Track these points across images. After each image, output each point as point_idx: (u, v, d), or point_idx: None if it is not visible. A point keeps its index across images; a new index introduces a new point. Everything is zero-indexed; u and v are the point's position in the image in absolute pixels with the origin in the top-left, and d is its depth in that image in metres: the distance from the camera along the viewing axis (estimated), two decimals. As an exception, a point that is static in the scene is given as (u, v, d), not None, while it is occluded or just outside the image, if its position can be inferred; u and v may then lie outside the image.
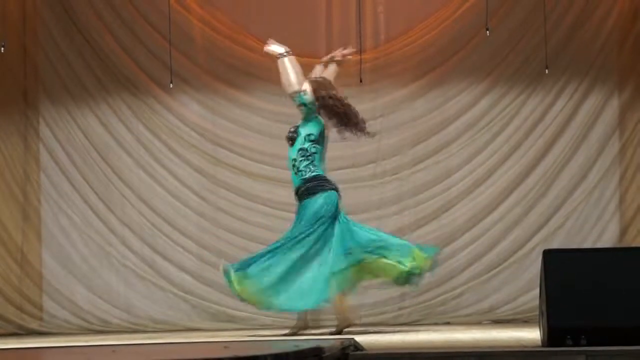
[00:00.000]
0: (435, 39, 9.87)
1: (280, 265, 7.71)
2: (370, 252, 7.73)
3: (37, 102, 10.08)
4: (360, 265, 7.75)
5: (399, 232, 9.78)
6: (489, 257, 9.77)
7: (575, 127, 9.83)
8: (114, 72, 10.03)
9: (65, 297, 9.94)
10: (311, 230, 7.83)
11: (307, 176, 7.98)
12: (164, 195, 10.03)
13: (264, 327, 9.50)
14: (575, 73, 9.82)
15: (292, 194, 9.84)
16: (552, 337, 5.48)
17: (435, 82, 9.92)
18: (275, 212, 9.87)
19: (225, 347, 5.09)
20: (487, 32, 9.18)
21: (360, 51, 9.65)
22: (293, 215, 9.87)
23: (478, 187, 9.86)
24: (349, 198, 9.83)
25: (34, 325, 9.85)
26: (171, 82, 9.52)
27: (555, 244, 9.57)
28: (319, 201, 7.91)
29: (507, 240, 9.79)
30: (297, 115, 9.92)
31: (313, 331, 8.09)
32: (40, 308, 9.92)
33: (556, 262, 5.66)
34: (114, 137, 10.08)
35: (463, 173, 9.90)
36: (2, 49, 9.10)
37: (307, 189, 7.96)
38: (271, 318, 9.69)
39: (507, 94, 9.91)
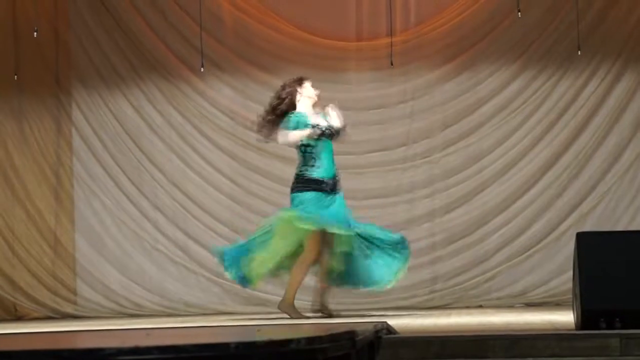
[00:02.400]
0: (467, 20, 9.82)
1: None
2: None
3: (69, 86, 10.14)
4: None
5: (429, 216, 9.78)
6: (521, 240, 9.73)
7: (608, 109, 9.75)
8: (146, 56, 10.07)
9: (98, 280, 10.01)
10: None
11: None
12: (196, 179, 10.06)
13: (296, 310, 9.48)
14: (608, 54, 9.73)
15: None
16: (585, 320, 5.45)
17: (466, 64, 9.87)
18: (307, 196, 9.87)
19: (258, 330, 5.10)
20: (519, 13, 9.11)
21: (390, 33, 9.62)
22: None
23: (510, 170, 9.82)
24: (379, 181, 9.84)
25: (68, 308, 9.93)
26: (202, 66, 9.54)
27: (587, 227, 9.52)
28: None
29: (540, 223, 9.74)
30: (328, 99, 9.94)
31: (344, 315, 8.08)
32: (74, 292, 9.99)
33: (590, 245, 5.62)
34: (145, 121, 10.12)
35: (495, 156, 9.85)
36: (35, 33, 9.16)
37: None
38: (303, 301, 9.69)
39: (539, 76, 9.84)
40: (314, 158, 7.74)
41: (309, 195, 7.67)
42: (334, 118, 7.80)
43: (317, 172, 7.72)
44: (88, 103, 10.14)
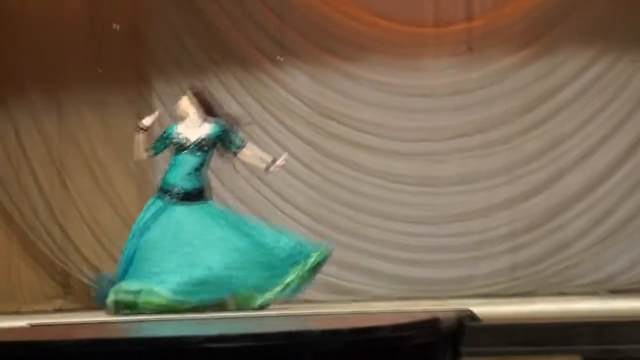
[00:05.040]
0: (545, 3, 9.67)
1: None
2: None
3: (149, 78, 10.25)
4: None
5: (509, 203, 9.70)
6: (604, 226, 9.58)
7: (694, 92, 9.56)
8: (224, 46, 10.12)
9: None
10: None
11: None
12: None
13: (377, 298, 9.52)
14: (694, 35, 9.54)
15: (401, 164, 9.86)
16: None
17: (546, 48, 9.73)
18: (387, 184, 9.88)
19: (342, 318, 5.12)
20: (600, -5, 8.98)
21: (469, 18, 9.54)
22: (402, 186, 9.88)
23: (591, 155, 9.66)
24: (458, 168, 9.79)
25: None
26: (281, 56, 9.57)
27: (673, 212, 9.36)
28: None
29: (623, 209, 9.58)
30: (406, 86, 9.92)
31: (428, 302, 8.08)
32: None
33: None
34: (225, 111, 10.17)
35: (575, 140, 9.70)
36: (116, 26, 9.29)
37: None
38: (383, 289, 9.72)
39: (620, 59, 9.66)
40: None
41: None
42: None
43: None
44: (168, 94, 10.22)
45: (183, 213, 7.84)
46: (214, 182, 10.10)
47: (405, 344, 4.02)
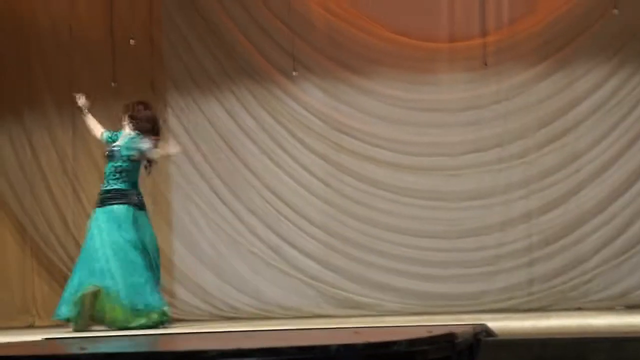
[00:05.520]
0: (561, 18, 9.66)
1: None
2: None
3: (164, 92, 10.28)
4: None
5: (525, 217, 9.66)
6: (620, 240, 9.52)
7: None
8: (238, 60, 10.15)
9: (195, 284, 10.11)
10: None
11: None
12: (289, 182, 10.10)
13: (391, 313, 9.49)
14: None
15: (415, 179, 9.84)
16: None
17: (561, 63, 9.71)
18: (399, 198, 9.86)
19: (356, 332, 5.09)
20: (615, 10, 8.94)
21: (483, 34, 9.53)
22: (417, 201, 9.86)
23: (608, 169, 9.62)
24: (474, 183, 9.76)
25: (166, 311, 10.03)
26: (294, 70, 9.57)
27: (689, 227, 9.30)
28: None
29: (639, 224, 9.54)
30: (420, 101, 9.91)
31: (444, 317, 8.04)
32: (172, 295, 10.10)
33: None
34: (238, 125, 10.20)
35: (592, 155, 9.67)
36: (132, 41, 9.32)
37: None
38: (398, 304, 9.69)
39: (636, 73, 9.63)
40: None
41: None
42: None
43: None
44: (182, 108, 10.26)
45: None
46: (228, 196, 10.14)
47: (420, 358, 4.00)
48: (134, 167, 8.21)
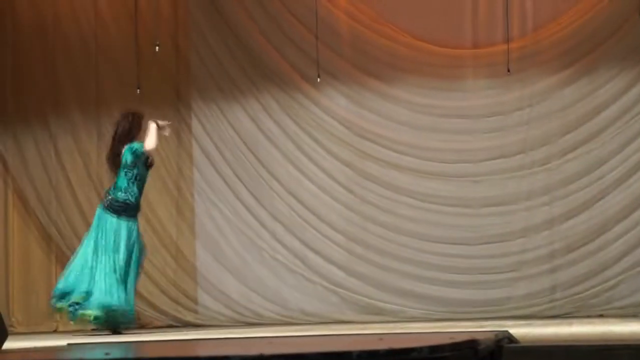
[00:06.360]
0: (585, 25, 9.63)
1: None
2: None
3: (189, 98, 10.32)
4: None
5: (548, 224, 9.63)
6: (643, 248, 9.50)
7: None
8: (262, 67, 10.17)
9: (218, 290, 10.14)
10: None
11: None
12: (312, 188, 10.11)
13: (414, 319, 9.49)
14: None
15: (439, 185, 9.84)
16: None
17: (585, 69, 9.68)
18: (423, 205, 9.86)
19: (380, 339, 5.10)
20: (640, 17, 8.93)
21: (507, 40, 9.53)
22: (440, 207, 9.86)
23: (631, 176, 9.58)
24: (497, 189, 9.75)
25: (189, 317, 10.08)
26: (319, 77, 9.60)
27: None
28: None
29: (664, 230, 9.50)
30: (444, 107, 9.90)
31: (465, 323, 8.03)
32: (195, 301, 10.14)
33: None
34: (262, 132, 10.22)
35: (615, 162, 9.63)
36: (157, 48, 9.38)
37: None
38: (420, 310, 9.68)
39: (661, 79, 9.60)
40: None
41: None
42: None
43: None
44: (207, 115, 10.30)
45: None
46: (252, 202, 10.16)
47: (443, 365, 4.00)
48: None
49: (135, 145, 8.46)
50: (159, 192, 10.22)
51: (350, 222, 10.03)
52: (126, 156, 8.45)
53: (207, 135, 10.30)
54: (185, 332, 8.18)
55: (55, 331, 10.17)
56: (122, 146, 8.49)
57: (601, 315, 9.26)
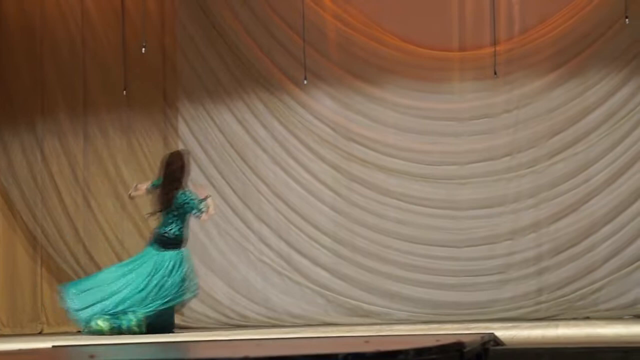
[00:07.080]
0: (572, 28, 9.66)
1: None
2: None
3: (176, 101, 10.31)
4: None
5: (535, 226, 9.65)
6: (630, 250, 9.53)
7: None
8: (250, 69, 10.17)
9: (204, 292, 10.09)
10: None
11: None
12: (299, 190, 10.11)
13: (400, 321, 9.50)
14: None
15: (425, 187, 9.85)
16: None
17: (572, 73, 9.71)
18: (409, 207, 9.87)
19: (366, 341, 5.08)
20: (627, 20, 8.94)
21: (494, 43, 9.54)
22: (427, 210, 9.86)
23: (618, 179, 9.61)
24: (484, 192, 9.76)
25: (175, 319, 10.04)
26: (305, 79, 9.59)
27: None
28: None
29: (650, 232, 9.52)
30: (431, 109, 9.90)
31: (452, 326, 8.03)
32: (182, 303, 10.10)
33: None
34: (249, 134, 10.21)
35: (602, 164, 9.66)
36: (144, 49, 9.35)
37: None
38: (406, 312, 9.69)
39: (648, 82, 9.63)
40: None
41: None
42: None
43: None
44: (194, 117, 10.29)
45: None
46: (238, 204, 10.15)
47: (429, 367, 3.99)
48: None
49: (195, 205, 8.65)
50: (146, 195, 10.17)
51: (336, 224, 10.03)
52: (179, 205, 8.68)
53: (193, 136, 10.28)
54: (171, 335, 8.15)
55: (40, 333, 10.13)
56: (174, 185, 8.66)
57: (587, 318, 9.28)
